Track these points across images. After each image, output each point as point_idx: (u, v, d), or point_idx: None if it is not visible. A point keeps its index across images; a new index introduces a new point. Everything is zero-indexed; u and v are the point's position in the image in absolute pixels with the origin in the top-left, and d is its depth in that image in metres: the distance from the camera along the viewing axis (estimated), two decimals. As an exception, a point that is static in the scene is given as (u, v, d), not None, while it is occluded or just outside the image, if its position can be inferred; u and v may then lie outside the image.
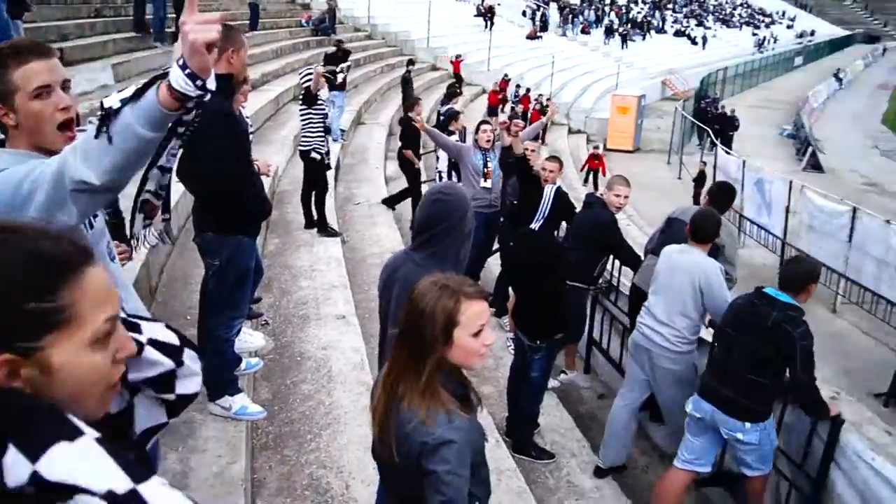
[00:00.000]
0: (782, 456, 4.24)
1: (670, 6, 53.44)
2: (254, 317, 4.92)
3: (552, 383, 5.44)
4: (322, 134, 7.17)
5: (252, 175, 3.69)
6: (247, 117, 4.44)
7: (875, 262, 10.10)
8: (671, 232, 5.07)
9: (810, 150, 22.48)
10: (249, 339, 4.38)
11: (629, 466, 4.98)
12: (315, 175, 7.23)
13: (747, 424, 3.83)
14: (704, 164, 17.00)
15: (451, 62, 23.91)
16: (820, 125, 28.48)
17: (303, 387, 4.30)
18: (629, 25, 41.66)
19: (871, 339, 9.88)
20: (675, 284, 4.29)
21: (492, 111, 19.69)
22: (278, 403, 4.09)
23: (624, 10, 44.39)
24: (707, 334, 4.59)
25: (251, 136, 4.72)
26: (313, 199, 7.22)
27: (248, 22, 15.01)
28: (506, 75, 23.60)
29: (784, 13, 74.52)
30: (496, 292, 6.78)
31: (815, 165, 21.67)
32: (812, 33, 71.38)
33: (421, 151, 10.27)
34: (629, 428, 4.75)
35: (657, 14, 48.83)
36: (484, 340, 1.95)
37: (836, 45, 70.55)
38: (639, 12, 46.79)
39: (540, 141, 16.19)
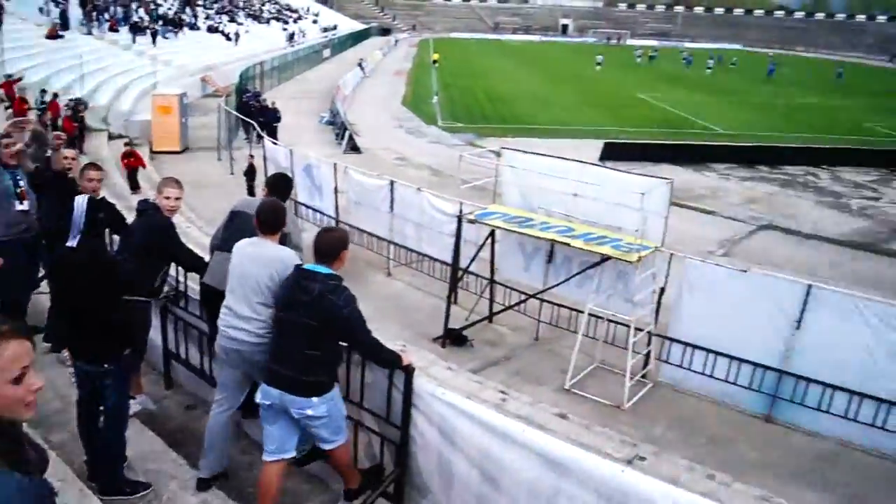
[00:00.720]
0: (368, 413, 4.57)
1: (201, 2, 52.72)
2: None
3: (133, 408, 5.04)
4: None
5: None
6: None
7: (414, 226, 11.50)
8: (235, 225, 5.02)
9: (347, 133, 24.43)
10: None
11: (233, 468, 4.89)
12: None
13: (314, 399, 3.95)
14: (252, 157, 17.28)
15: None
16: (353, 110, 31.14)
17: None
18: (160, 22, 40.01)
19: (421, 293, 11.27)
20: (252, 278, 4.23)
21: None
22: None
23: (153, 6, 42.41)
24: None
25: None
26: None
27: None
28: (10, 76, 20.69)
29: (309, 9, 79.35)
30: (49, 324, 5.99)
31: (354, 147, 23.63)
32: (335, 28, 77.50)
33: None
34: (229, 433, 4.64)
35: (188, 10, 47.76)
36: (29, 385, 1.66)
37: (356, 38, 77.95)
38: (169, 8, 45.19)
39: (77, 150, 14.74)
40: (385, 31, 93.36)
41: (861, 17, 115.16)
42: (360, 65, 47.60)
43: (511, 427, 3.85)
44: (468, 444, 4.07)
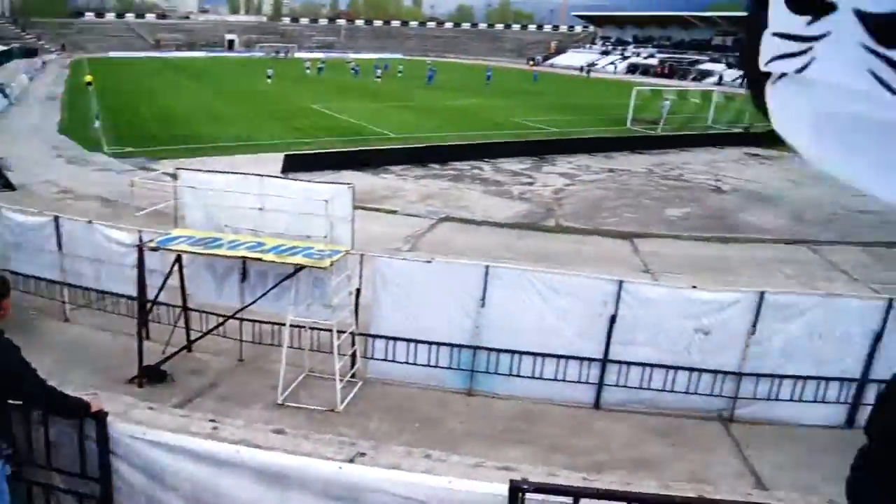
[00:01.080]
0: (57, 474, 4.11)
1: None
2: None
3: None
4: None
5: None
6: None
7: (90, 262, 10.47)
8: None
9: (-4, 169, 21.50)
10: None
11: None
12: None
13: None
14: None
15: None
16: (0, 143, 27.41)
17: None
18: None
19: (108, 333, 10.30)
20: None
21: None
22: None
23: None
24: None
25: None
26: None
27: None
28: None
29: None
30: None
31: (7, 184, 20.86)
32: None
33: None
34: None
35: None
36: None
37: (-3, 62, 68.48)
38: None
39: None
40: (30, 53, 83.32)
41: (500, 26, 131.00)
42: (1, 91, 41.96)
43: (223, 451, 3.75)
44: (179, 479, 3.88)
